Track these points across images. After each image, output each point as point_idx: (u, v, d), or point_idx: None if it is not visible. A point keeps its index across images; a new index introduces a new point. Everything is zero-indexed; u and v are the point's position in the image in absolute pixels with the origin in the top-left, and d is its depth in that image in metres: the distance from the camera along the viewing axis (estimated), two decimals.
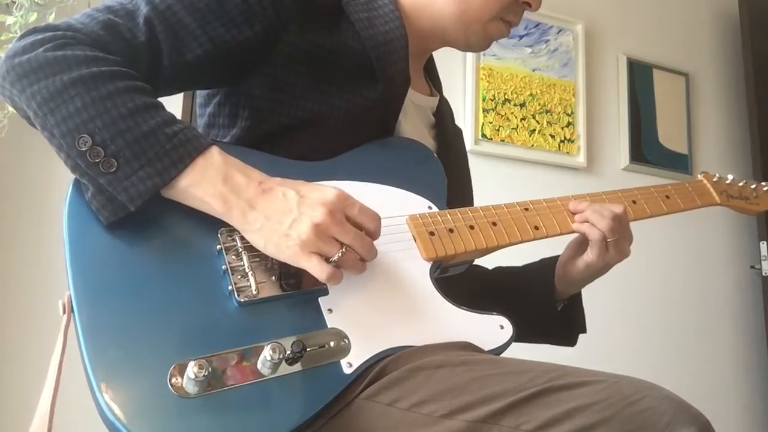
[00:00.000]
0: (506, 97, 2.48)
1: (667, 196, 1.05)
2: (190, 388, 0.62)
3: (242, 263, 0.72)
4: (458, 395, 0.64)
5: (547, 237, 0.92)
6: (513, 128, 2.46)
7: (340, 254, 0.69)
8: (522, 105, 2.50)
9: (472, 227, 0.86)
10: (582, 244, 0.96)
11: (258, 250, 0.71)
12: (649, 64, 2.76)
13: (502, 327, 0.80)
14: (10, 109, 1.52)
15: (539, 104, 2.52)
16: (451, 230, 0.84)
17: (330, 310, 0.73)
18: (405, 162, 0.90)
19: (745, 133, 2.80)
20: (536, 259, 1.07)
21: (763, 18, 2.84)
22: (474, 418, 0.62)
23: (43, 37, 0.71)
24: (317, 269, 0.69)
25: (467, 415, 0.62)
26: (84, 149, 0.67)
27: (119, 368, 0.63)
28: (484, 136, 2.40)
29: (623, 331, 2.42)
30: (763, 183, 1.19)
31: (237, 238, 0.73)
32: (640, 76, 2.74)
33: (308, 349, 0.68)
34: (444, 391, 0.65)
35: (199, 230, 0.73)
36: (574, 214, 0.94)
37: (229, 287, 0.70)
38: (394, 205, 0.84)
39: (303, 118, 0.84)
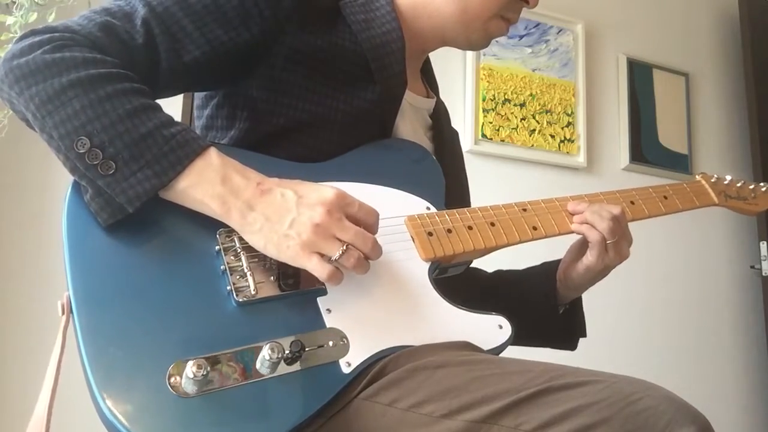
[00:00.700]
0: (506, 97, 2.48)
1: (665, 197, 1.05)
2: (189, 387, 0.62)
3: (241, 263, 0.72)
4: (458, 395, 0.64)
5: (545, 237, 0.92)
6: (513, 128, 2.46)
7: (340, 252, 0.69)
8: (522, 105, 2.50)
9: (470, 228, 0.86)
10: (582, 246, 0.96)
11: (257, 251, 0.71)
12: (649, 64, 2.76)
13: (500, 326, 0.80)
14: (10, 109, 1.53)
15: (539, 104, 2.53)
16: (449, 231, 0.84)
17: (329, 310, 0.73)
18: (403, 163, 0.90)
19: (745, 133, 2.80)
20: (534, 259, 1.07)
21: (763, 18, 2.84)
22: (473, 418, 0.62)
23: (41, 39, 0.71)
24: (318, 269, 0.69)
25: (467, 415, 0.62)
26: (82, 151, 0.67)
27: (118, 368, 0.63)
28: (484, 136, 2.40)
29: (623, 331, 2.42)
30: (762, 183, 1.19)
31: (235, 238, 0.73)
32: (640, 76, 2.74)
33: (307, 349, 0.68)
34: (443, 391, 0.65)
35: (198, 231, 0.73)
36: (572, 214, 0.94)
37: (228, 287, 0.70)
38: (392, 206, 0.84)
39: (301, 120, 0.84)
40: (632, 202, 1.01)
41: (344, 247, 0.69)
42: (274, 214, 0.70)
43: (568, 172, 2.52)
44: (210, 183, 0.70)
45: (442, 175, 0.92)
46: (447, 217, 0.86)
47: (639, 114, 2.69)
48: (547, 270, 1.02)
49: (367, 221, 0.73)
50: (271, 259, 0.72)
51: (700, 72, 2.89)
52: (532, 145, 2.47)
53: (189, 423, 0.62)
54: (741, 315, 2.70)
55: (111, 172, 0.67)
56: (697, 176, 1.15)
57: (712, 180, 1.13)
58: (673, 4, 2.92)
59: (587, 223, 0.92)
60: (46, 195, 1.86)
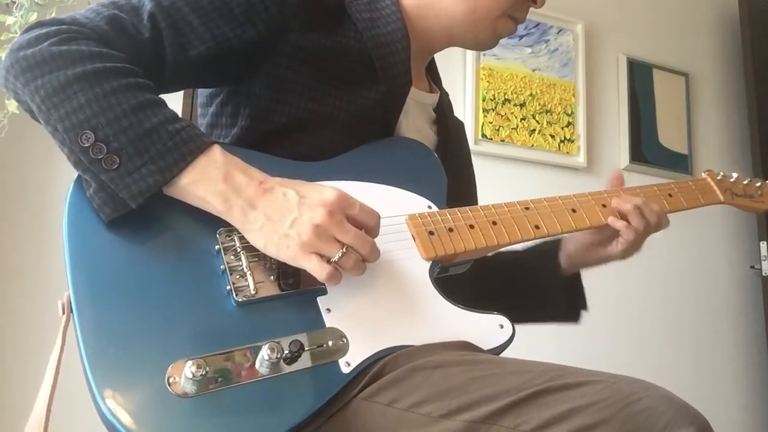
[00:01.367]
0: (506, 97, 2.48)
1: (670, 195, 1.04)
2: (188, 387, 0.62)
3: (241, 263, 0.72)
4: (457, 395, 0.64)
5: (548, 236, 0.92)
6: (513, 128, 2.46)
7: (340, 254, 0.69)
8: (522, 105, 2.50)
9: (471, 226, 0.85)
10: (610, 235, 0.98)
11: (257, 250, 0.71)
12: (649, 64, 2.76)
13: (501, 326, 0.79)
14: (10, 109, 1.53)
15: (539, 104, 2.52)
16: (450, 230, 0.84)
17: (328, 310, 0.73)
18: (405, 161, 0.90)
19: (745, 133, 2.80)
20: None
21: (763, 18, 2.84)
22: (473, 418, 0.62)
23: (48, 30, 0.71)
24: (317, 269, 0.69)
25: (466, 415, 0.62)
26: (87, 145, 0.67)
27: (118, 368, 0.63)
28: (484, 136, 2.40)
29: (623, 331, 2.41)
30: None
31: (236, 238, 0.73)
32: (640, 76, 2.74)
33: (306, 349, 0.68)
34: (443, 391, 0.65)
35: (198, 230, 0.73)
36: (617, 210, 0.96)
37: (228, 287, 0.70)
38: (393, 205, 0.84)
39: (303, 118, 0.84)
40: None
41: (343, 249, 0.69)
42: (276, 213, 0.70)
43: (568, 172, 2.52)
44: (212, 180, 0.70)
45: (445, 174, 0.92)
46: (448, 215, 0.85)
47: (639, 114, 2.69)
48: (550, 248, 1.05)
49: (367, 223, 0.73)
50: (271, 258, 0.72)
51: (700, 72, 2.89)
52: (532, 145, 2.47)
53: (188, 423, 0.62)
54: (741, 315, 2.70)
55: (115, 166, 0.67)
56: (702, 174, 1.14)
57: (718, 177, 1.12)
58: (673, 4, 2.92)
59: (629, 223, 0.95)
60: (46, 195, 1.86)
